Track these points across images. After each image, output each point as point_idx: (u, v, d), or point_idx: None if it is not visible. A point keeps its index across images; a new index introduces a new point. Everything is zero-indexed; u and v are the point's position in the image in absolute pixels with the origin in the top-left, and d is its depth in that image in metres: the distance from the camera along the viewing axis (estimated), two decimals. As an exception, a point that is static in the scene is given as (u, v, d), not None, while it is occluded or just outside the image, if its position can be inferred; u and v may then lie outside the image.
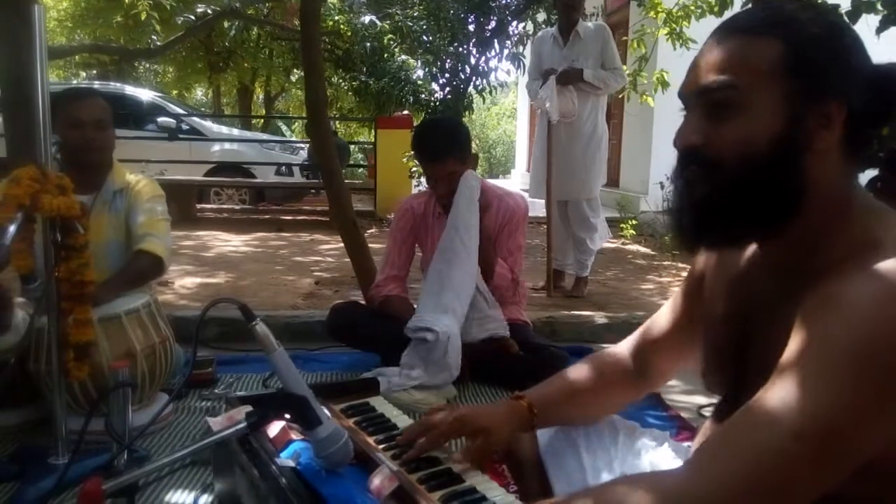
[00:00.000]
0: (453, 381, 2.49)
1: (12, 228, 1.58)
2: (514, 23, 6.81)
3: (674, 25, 5.02)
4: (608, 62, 4.11)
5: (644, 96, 5.04)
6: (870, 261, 0.79)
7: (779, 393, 0.77)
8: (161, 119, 8.65)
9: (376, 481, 1.13)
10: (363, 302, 3.24)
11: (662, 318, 1.27)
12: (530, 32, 7.06)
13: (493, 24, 6.67)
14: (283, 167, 9.22)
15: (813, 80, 0.84)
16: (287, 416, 1.08)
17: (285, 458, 1.17)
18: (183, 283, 4.34)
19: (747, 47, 0.87)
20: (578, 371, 1.31)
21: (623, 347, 1.33)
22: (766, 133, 0.85)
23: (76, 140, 2.24)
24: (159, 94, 10.39)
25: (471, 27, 6.79)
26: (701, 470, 0.78)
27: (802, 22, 0.86)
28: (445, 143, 2.65)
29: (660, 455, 1.26)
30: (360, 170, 12.37)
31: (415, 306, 2.88)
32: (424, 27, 6.98)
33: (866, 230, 0.85)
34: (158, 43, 9.65)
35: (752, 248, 1.01)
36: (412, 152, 2.82)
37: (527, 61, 7.67)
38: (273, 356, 1.08)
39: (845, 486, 0.78)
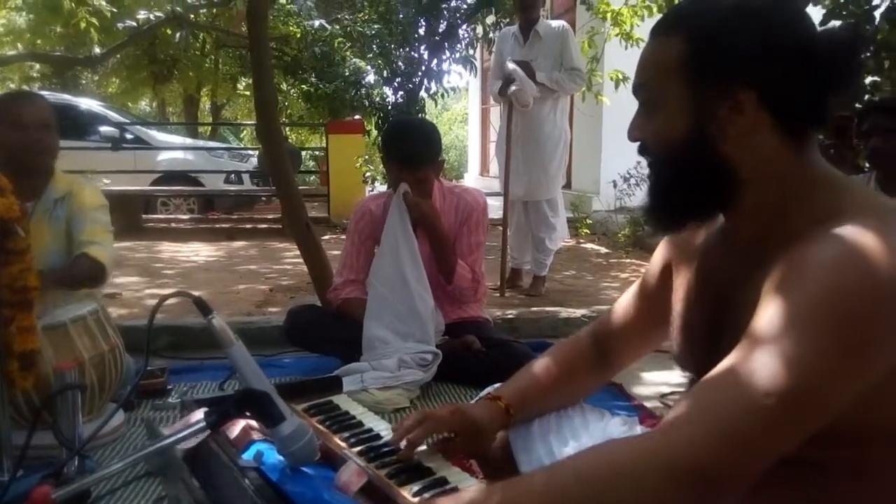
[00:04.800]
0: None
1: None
2: (465, 26, 6.80)
3: (623, 25, 5.09)
4: (566, 62, 4.11)
5: (599, 95, 5.10)
6: (832, 227, 0.81)
7: (748, 354, 0.78)
8: (103, 128, 8.39)
9: (344, 477, 1.09)
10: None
11: (624, 306, 1.29)
12: (480, 35, 7.08)
13: (443, 27, 6.66)
14: (233, 175, 9.03)
15: (715, 72, 0.88)
16: (248, 413, 1.02)
17: (247, 459, 1.12)
18: (131, 294, 4.20)
19: (658, 48, 0.93)
20: (542, 364, 1.31)
21: (583, 336, 1.34)
22: (679, 127, 0.91)
23: (18, 142, 2.15)
24: (101, 104, 10.10)
25: (421, 31, 6.77)
26: (672, 429, 0.79)
27: (704, 17, 0.90)
28: (425, 151, 2.62)
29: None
30: (312, 177, 12.22)
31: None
32: (375, 31, 6.94)
33: (828, 200, 0.87)
34: (99, 51, 9.38)
35: (719, 229, 1.03)
36: (383, 152, 2.75)
37: (477, 64, 7.73)
38: (231, 351, 1.03)
39: (827, 451, 0.79)
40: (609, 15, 5.11)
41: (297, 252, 3.83)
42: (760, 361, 0.76)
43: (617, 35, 5.16)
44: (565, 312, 3.53)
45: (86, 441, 1.02)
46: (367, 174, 7.28)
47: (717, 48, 0.88)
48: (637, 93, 0.97)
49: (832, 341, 0.75)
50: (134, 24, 8.89)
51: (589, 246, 6.54)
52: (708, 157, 0.91)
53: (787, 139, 0.89)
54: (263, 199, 9.56)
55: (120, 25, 8.40)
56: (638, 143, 0.99)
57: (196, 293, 1.04)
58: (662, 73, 0.92)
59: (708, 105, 0.89)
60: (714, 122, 0.89)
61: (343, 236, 4.13)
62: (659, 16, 4.52)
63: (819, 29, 0.92)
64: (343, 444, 1.26)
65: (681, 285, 1.10)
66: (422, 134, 2.72)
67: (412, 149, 2.63)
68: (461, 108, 21.52)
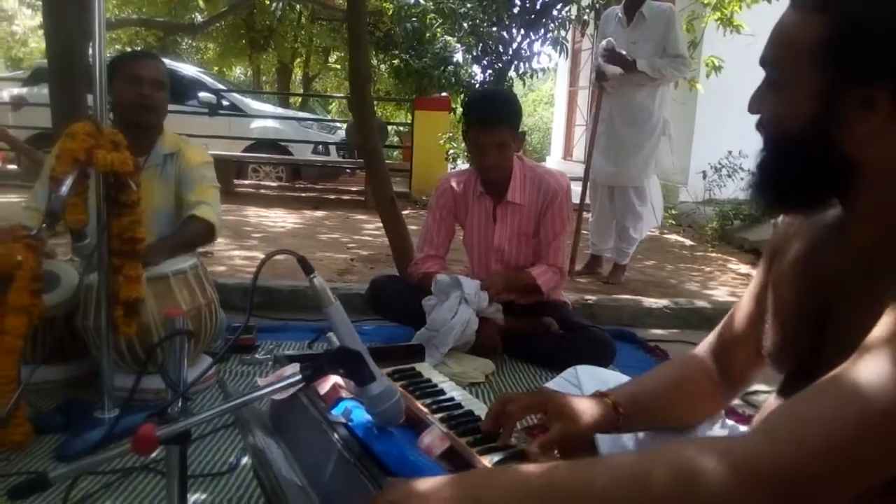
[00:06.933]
0: (490, 356, 2.53)
1: (69, 181, 1.60)
2: (559, 5, 6.71)
3: (724, 11, 4.91)
4: (670, 47, 3.93)
5: (693, 82, 4.93)
6: None
7: (867, 368, 0.74)
8: (202, 94, 8.71)
9: (427, 440, 1.12)
10: (401, 278, 3.23)
11: (739, 313, 1.19)
12: (573, 17, 6.97)
13: (538, 6, 6.59)
14: (320, 146, 9.25)
15: (855, 65, 0.81)
16: (342, 370, 1.06)
17: (336, 415, 1.16)
18: (222, 254, 4.38)
19: (796, 24, 0.86)
20: (663, 374, 1.24)
21: (702, 349, 1.25)
22: (800, 113, 0.85)
23: (132, 97, 2.26)
24: (200, 70, 10.48)
25: (515, 10, 6.72)
26: (777, 431, 0.75)
27: (863, 1, 0.82)
28: (502, 110, 2.59)
29: (714, 434, 1.23)
30: (395, 152, 12.37)
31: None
32: (469, 8, 6.93)
33: None
34: (201, 19, 9.73)
35: (831, 225, 0.97)
36: (463, 121, 2.76)
37: (568, 45, 7.62)
38: (330, 309, 1.07)
39: None
40: (710, -1, 4.94)
41: (378, 224, 3.90)
42: (879, 379, 0.72)
43: (717, 20, 4.99)
44: (647, 302, 3.48)
45: (190, 384, 1.08)
46: (451, 151, 7.31)
47: (863, 38, 0.81)
48: (763, 66, 0.91)
49: None
50: (236, -7, 9.16)
51: (673, 237, 6.39)
52: (825, 152, 0.85)
53: None
54: (348, 171, 9.74)
55: (222, -5, 8.68)
56: (757, 117, 0.93)
57: (282, 256, 1.09)
58: (794, 52, 0.85)
59: (837, 98, 0.83)
60: (839, 116, 0.83)
61: (423, 212, 4.18)
62: (764, 4, 4.36)
63: None
64: (425, 410, 1.29)
65: (780, 279, 1.05)
66: (499, 96, 2.73)
67: (489, 107, 2.61)
68: (548, 89, 21.29)
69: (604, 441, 1.22)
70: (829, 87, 0.83)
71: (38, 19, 14.24)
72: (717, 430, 1.24)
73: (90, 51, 1.79)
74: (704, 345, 1.24)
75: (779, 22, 0.89)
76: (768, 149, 0.92)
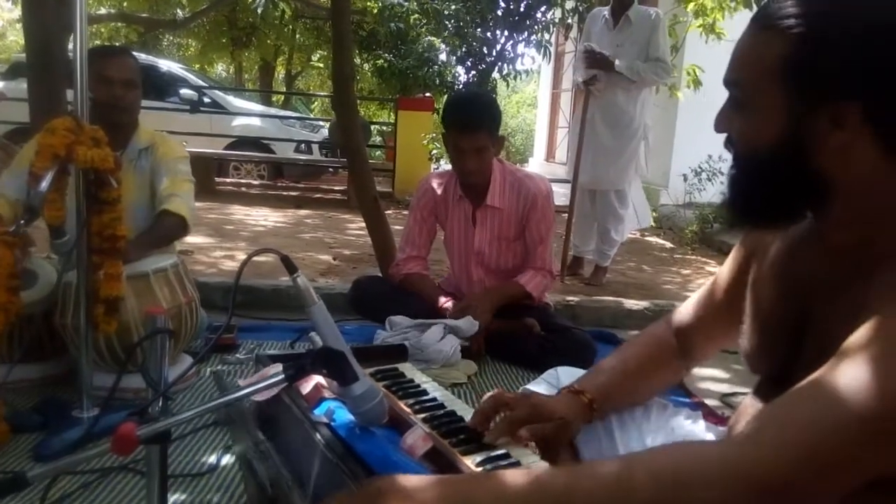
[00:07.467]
0: (473, 357, 2.53)
1: (48, 177, 1.58)
2: (543, 9, 6.74)
3: (706, 18, 4.95)
4: (652, 51, 3.94)
5: (673, 89, 4.96)
6: None
7: (846, 373, 0.75)
8: (183, 91, 8.65)
9: (409, 440, 1.12)
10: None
11: (704, 298, 1.24)
12: (556, 20, 7.01)
13: (522, 8, 6.62)
14: (303, 145, 9.21)
15: (819, 82, 0.81)
16: (325, 370, 1.06)
17: (319, 415, 1.16)
18: (202, 253, 4.35)
19: (759, 43, 0.85)
20: (626, 356, 1.28)
21: (665, 326, 1.31)
22: (768, 132, 0.85)
23: (104, 97, 2.24)
24: (182, 67, 10.40)
25: (499, 12, 6.75)
26: (756, 435, 0.76)
27: (816, 17, 0.81)
28: (482, 114, 2.57)
29: (695, 433, 1.24)
30: (378, 151, 12.35)
31: (436, 283, 2.89)
32: (453, 9, 6.94)
33: None
34: (183, 15, 9.65)
35: (808, 228, 0.99)
36: (441, 124, 2.75)
37: (551, 48, 7.66)
38: (313, 309, 1.07)
39: None
40: (691, 4, 4.96)
41: (361, 224, 3.89)
42: (857, 384, 0.72)
43: (699, 27, 5.03)
44: (628, 304, 3.50)
45: (171, 384, 1.07)
46: (434, 151, 7.32)
47: (825, 57, 0.80)
48: (727, 86, 0.91)
49: None
50: (218, -10, 9.10)
51: (653, 239, 6.43)
52: (795, 168, 0.85)
53: (892, 154, 0.83)
54: (331, 170, 9.71)
55: (204, -9, 8.61)
56: (725, 135, 0.94)
57: (263, 256, 1.08)
58: (757, 72, 0.85)
59: (805, 116, 0.83)
60: (809, 134, 0.83)
61: (406, 212, 4.19)
62: (746, 11, 4.40)
63: None
64: (408, 410, 1.30)
65: (759, 281, 1.06)
66: (478, 100, 2.71)
67: (468, 112, 2.59)
68: (531, 90, 21.35)
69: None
70: (796, 105, 0.83)
71: (18, 12, 14.08)
72: (698, 430, 1.25)
73: (70, 45, 1.77)
74: (667, 320, 1.29)
75: (739, 42, 0.89)
76: (738, 167, 0.92)
